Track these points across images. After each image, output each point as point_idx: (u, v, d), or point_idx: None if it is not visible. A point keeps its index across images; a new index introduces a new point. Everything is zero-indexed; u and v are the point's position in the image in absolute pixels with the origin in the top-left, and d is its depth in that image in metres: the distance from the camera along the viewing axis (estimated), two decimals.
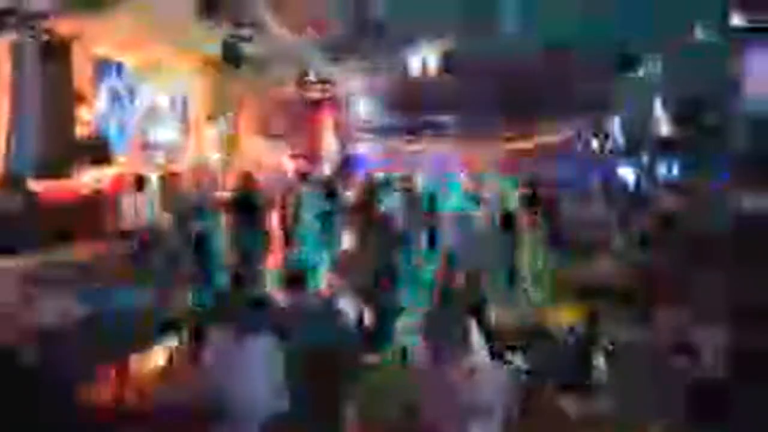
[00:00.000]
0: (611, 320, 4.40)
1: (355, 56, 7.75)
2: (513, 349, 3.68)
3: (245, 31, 6.06)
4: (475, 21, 6.75)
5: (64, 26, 4.82)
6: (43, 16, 4.47)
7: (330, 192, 7.93)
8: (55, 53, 4.75)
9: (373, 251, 6.85)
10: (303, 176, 8.56)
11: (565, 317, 4.78)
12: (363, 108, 11.26)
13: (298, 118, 9.52)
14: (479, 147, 13.72)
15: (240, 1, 5.66)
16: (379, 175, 10.11)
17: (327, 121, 10.51)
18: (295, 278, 3.62)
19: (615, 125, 10.30)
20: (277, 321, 3.41)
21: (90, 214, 4.93)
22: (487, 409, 2.37)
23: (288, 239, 7.38)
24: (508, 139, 13.26)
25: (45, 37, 4.59)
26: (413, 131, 12.26)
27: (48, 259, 4.21)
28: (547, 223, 7.61)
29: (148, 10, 5.02)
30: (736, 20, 5.77)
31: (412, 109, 11.17)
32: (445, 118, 11.61)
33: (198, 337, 3.62)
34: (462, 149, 13.91)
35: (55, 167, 4.75)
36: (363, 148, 12.35)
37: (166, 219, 5.58)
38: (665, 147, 8.87)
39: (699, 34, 6.50)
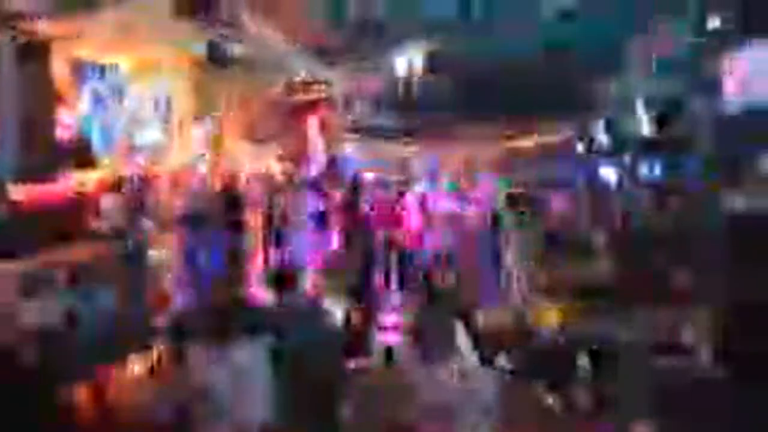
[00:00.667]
0: (601, 319, 4.44)
1: (348, 58, 7.75)
2: (499, 350, 3.70)
3: (231, 32, 6.02)
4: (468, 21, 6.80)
5: (45, 27, 4.75)
6: (25, 16, 4.40)
7: (319, 192, 7.96)
8: (35, 54, 4.68)
9: (358, 251, 6.89)
10: (290, 177, 8.54)
11: (554, 317, 4.82)
12: (352, 108, 11.28)
13: (286, 120, 9.50)
14: (473, 147, 13.77)
15: (228, 1, 5.61)
16: (370, 175, 10.13)
17: (315, 122, 10.49)
18: (283, 279, 3.63)
19: (600, 127, 10.41)
20: (264, 321, 3.42)
21: (74, 218, 4.88)
22: (474, 410, 2.39)
23: (275, 240, 7.38)
24: (509, 137, 13.31)
25: (25, 38, 4.52)
26: (405, 132, 12.27)
27: (37, 261, 4.16)
28: (538, 223, 7.67)
29: (147, 10, 4.95)
30: (715, 22, 5.89)
31: (403, 109, 11.19)
32: (440, 119, 11.63)
33: (183, 340, 3.61)
34: (455, 150, 13.95)
35: (36, 171, 4.69)
36: (352, 148, 12.35)
37: (148, 224, 5.55)
38: (647, 147, 8.97)
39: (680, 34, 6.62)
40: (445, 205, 9.28)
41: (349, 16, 6.59)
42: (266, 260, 7.03)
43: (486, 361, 2.82)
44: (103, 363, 3.76)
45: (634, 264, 5.83)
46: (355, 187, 8.71)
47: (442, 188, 10.62)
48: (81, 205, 5.10)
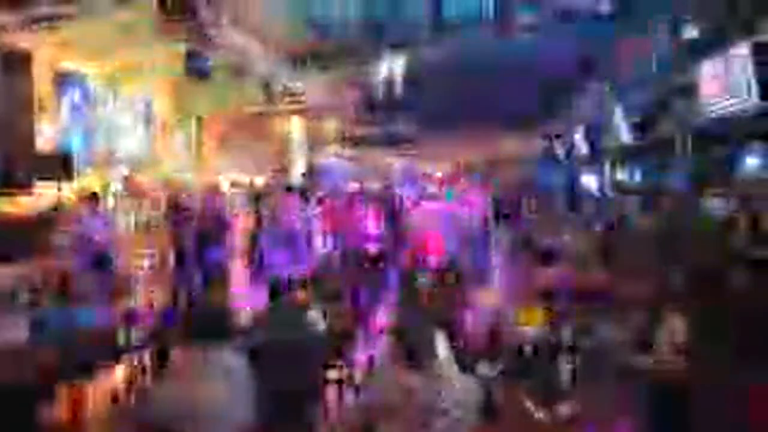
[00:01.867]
0: (590, 320, 4.49)
1: (341, 62, 7.75)
2: (481, 357, 3.71)
3: (216, 34, 5.95)
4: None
5: (26, 38, 4.69)
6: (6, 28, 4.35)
7: (305, 197, 8.00)
8: (16, 65, 4.62)
9: (352, 253, 6.92)
10: (277, 182, 8.59)
11: (542, 318, 4.84)
12: (339, 117, 11.31)
13: (267, 126, 9.52)
14: (464, 152, 13.88)
15: (214, 6, 5.59)
16: (360, 182, 10.21)
17: (300, 131, 10.55)
18: (278, 283, 3.64)
19: (579, 133, 10.58)
20: (249, 323, 3.42)
21: (53, 229, 4.83)
22: (453, 413, 2.40)
23: (260, 243, 7.37)
24: (496, 141, 13.47)
25: (6, 49, 4.47)
26: (390, 140, 12.35)
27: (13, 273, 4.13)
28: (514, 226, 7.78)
29: (145, 10, 4.90)
30: (691, 31, 6.04)
31: (388, 115, 11.24)
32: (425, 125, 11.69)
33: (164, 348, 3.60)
34: (446, 154, 14.02)
35: (16, 182, 4.62)
36: (338, 156, 12.40)
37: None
38: (627, 154, 9.13)
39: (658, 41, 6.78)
40: (440, 207, 9.34)
41: (323, 19, 6.64)
42: (251, 261, 7.05)
43: (467, 368, 2.83)
44: (96, 365, 3.73)
45: (628, 266, 5.86)
46: (347, 193, 8.81)
47: (434, 193, 10.70)
48: (63, 214, 5.04)
